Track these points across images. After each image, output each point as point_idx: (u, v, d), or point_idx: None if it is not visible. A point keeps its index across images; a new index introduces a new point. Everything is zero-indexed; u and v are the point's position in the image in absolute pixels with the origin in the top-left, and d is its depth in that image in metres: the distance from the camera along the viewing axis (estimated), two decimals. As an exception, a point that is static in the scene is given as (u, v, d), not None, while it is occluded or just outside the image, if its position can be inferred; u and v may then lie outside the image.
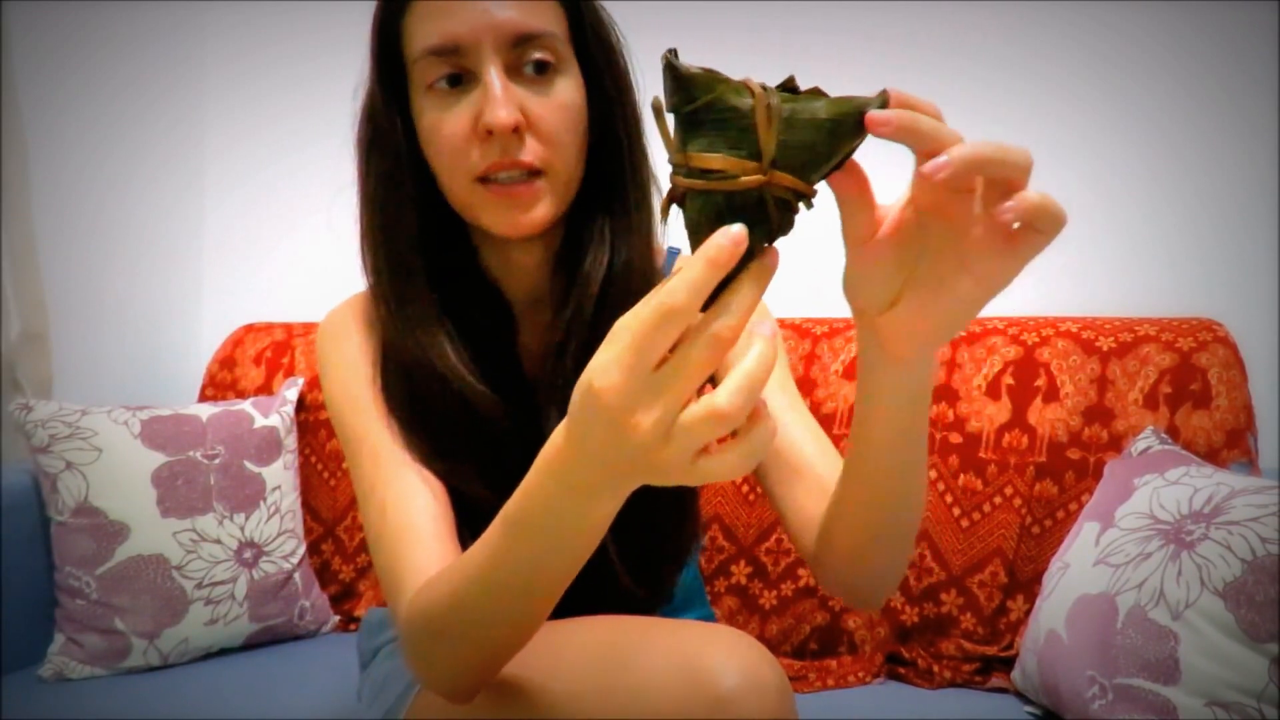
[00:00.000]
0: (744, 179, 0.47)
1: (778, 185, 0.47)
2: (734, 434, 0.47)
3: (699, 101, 0.47)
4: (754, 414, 0.47)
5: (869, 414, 0.62)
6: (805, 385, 1.44)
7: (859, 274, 0.54)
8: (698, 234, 0.48)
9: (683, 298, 0.45)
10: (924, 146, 0.48)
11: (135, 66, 1.88)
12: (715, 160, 0.47)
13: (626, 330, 0.46)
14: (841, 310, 1.32)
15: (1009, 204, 0.47)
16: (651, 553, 0.84)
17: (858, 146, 0.49)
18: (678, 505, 0.85)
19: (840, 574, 0.76)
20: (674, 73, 0.47)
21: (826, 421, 1.41)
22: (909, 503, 0.69)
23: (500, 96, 0.74)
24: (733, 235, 0.45)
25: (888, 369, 0.58)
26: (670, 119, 0.48)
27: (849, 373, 1.44)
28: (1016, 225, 0.48)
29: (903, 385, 0.59)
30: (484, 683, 0.67)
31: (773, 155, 0.47)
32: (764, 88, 0.47)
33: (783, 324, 1.50)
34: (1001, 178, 0.47)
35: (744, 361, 0.46)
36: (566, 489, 0.53)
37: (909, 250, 0.53)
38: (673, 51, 0.48)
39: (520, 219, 0.77)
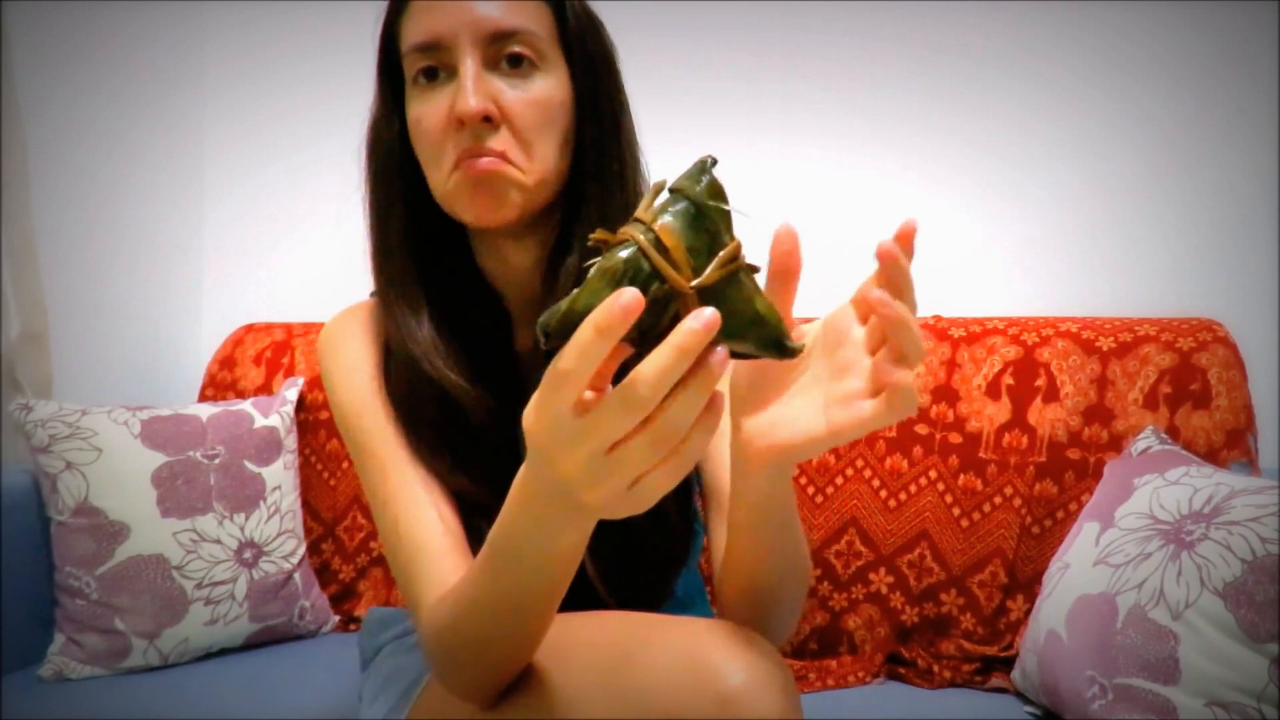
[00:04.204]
0: (674, 279, 0.48)
1: (689, 304, 0.48)
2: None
3: (705, 206, 0.49)
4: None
5: (734, 504, 0.66)
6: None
7: (744, 368, 0.58)
8: (602, 281, 0.48)
9: (569, 363, 0.46)
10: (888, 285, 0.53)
11: (135, 66, 1.88)
12: (670, 244, 0.48)
13: (544, 376, 0.47)
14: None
15: (897, 372, 0.52)
16: (633, 572, 0.84)
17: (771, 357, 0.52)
18: (660, 525, 0.84)
19: (731, 619, 0.78)
20: (705, 175, 0.50)
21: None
22: (782, 576, 0.71)
23: (470, 86, 0.75)
24: (623, 304, 0.44)
25: (742, 476, 0.62)
26: (667, 195, 0.50)
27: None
28: (875, 399, 0.53)
29: (752, 491, 0.63)
30: (502, 687, 0.69)
31: (702, 283, 0.49)
32: (747, 264, 0.50)
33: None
34: (901, 348, 0.52)
35: (688, 392, 0.46)
36: (531, 519, 0.55)
37: (793, 372, 0.57)
38: (714, 160, 0.51)
39: (489, 205, 0.78)
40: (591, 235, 0.49)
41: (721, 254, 0.49)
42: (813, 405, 0.56)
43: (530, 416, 0.49)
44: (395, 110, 0.83)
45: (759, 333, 0.50)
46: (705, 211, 0.49)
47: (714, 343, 0.47)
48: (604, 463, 0.47)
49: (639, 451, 0.47)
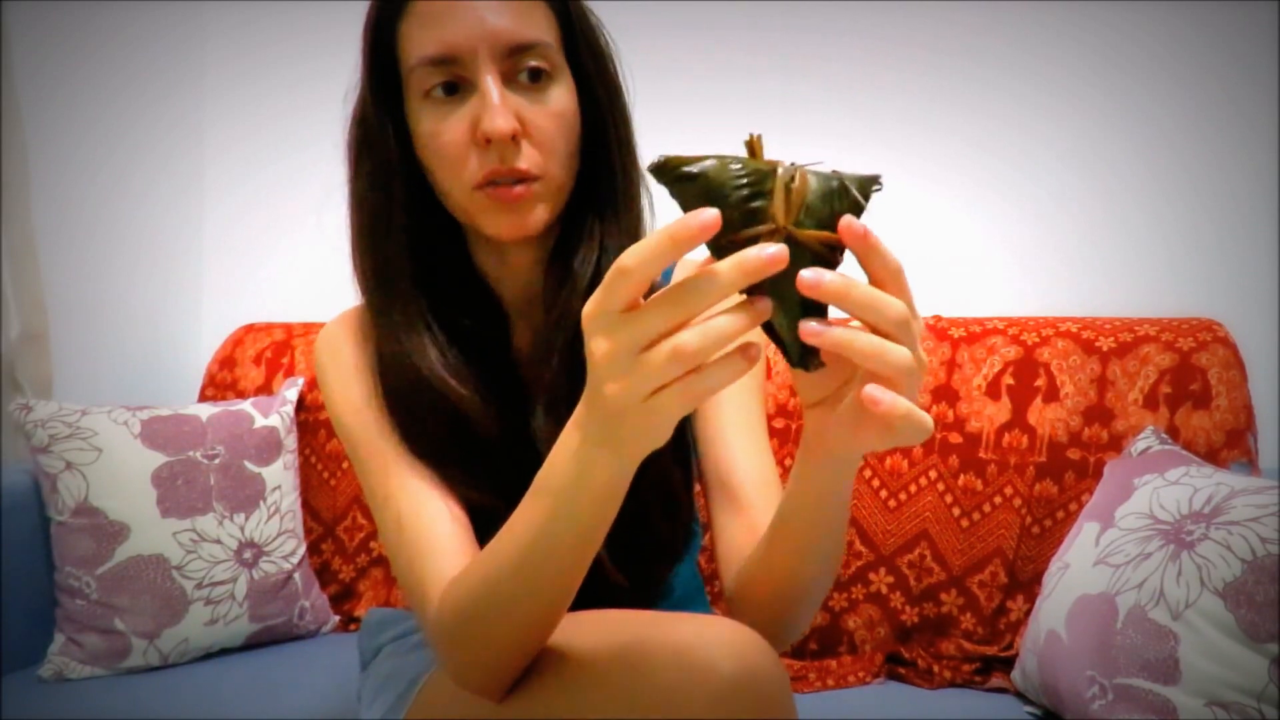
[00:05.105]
0: (777, 210, 0.49)
1: (773, 239, 0.49)
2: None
3: (847, 189, 0.51)
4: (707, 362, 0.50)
5: (794, 489, 0.66)
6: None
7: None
8: (725, 174, 0.50)
9: (632, 261, 0.48)
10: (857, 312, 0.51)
11: (135, 66, 1.88)
12: (796, 188, 0.50)
13: (608, 274, 0.50)
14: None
15: (872, 392, 0.50)
16: (641, 549, 0.84)
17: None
18: (668, 501, 0.85)
19: (751, 617, 0.77)
20: (866, 179, 0.53)
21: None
22: (821, 568, 0.72)
23: (498, 105, 0.75)
24: (702, 221, 0.47)
25: (811, 460, 0.62)
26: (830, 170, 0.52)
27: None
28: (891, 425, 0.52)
29: (820, 477, 0.63)
30: (515, 674, 0.68)
31: (795, 224, 0.50)
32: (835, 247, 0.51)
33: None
34: (875, 371, 0.51)
35: (723, 318, 0.48)
36: (573, 446, 0.56)
37: (847, 368, 0.57)
38: (880, 182, 0.53)
39: (517, 223, 0.78)
40: (749, 136, 0.52)
41: (827, 233, 0.50)
42: (856, 415, 0.56)
43: (589, 305, 0.51)
44: (389, 113, 0.81)
45: (796, 319, 0.51)
46: (844, 195, 0.51)
47: (766, 292, 0.50)
48: (632, 360, 0.49)
49: (662, 356, 0.49)
